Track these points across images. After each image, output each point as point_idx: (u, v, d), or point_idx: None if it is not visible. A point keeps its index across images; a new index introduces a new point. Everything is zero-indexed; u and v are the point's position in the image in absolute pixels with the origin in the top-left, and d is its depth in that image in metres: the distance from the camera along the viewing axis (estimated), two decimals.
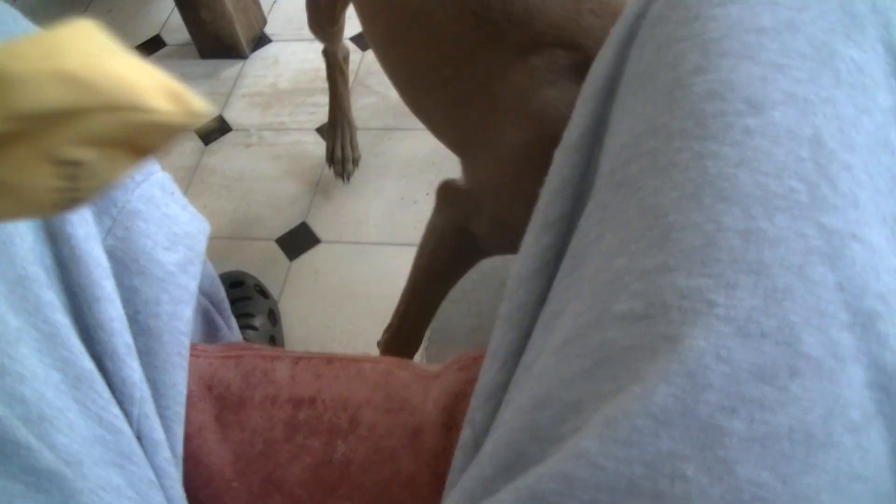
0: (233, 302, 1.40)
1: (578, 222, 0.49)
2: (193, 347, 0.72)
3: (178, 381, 0.66)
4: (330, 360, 0.71)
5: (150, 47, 1.94)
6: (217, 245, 1.53)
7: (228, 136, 1.72)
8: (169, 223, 0.69)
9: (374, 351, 1.35)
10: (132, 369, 0.61)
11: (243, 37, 1.83)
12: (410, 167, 1.57)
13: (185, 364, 0.67)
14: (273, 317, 1.38)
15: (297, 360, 0.71)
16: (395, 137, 1.60)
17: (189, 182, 1.64)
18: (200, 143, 1.71)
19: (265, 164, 1.64)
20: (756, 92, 0.42)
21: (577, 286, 0.45)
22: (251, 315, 1.36)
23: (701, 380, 0.36)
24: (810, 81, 0.42)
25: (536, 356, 0.46)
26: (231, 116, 1.75)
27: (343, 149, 1.54)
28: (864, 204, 0.40)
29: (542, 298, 0.50)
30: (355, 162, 1.56)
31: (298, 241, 1.52)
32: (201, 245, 0.72)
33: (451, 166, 1.55)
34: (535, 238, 0.51)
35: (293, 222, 1.54)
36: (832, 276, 0.38)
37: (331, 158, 1.55)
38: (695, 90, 0.43)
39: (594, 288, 0.43)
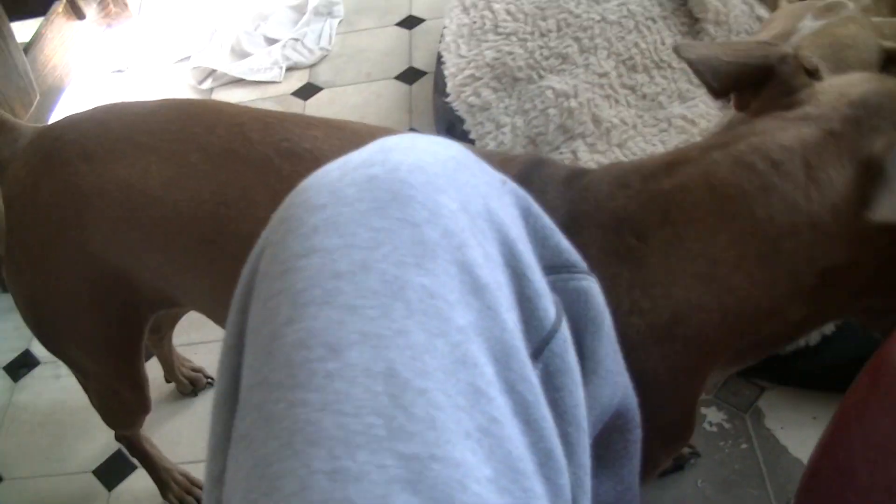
0: None
1: None
2: None
3: None
4: None
5: None
6: (33, 486, 1.53)
7: (37, 369, 1.73)
8: None
9: None
10: None
11: None
12: None
13: None
14: None
15: None
16: (201, 351, 1.65)
17: (0, 423, 1.64)
18: (10, 381, 1.71)
19: (77, 393, 1.63)
20: (334, 336, 0.44)
21: None
22: None
23: None
24: (383, 317, 0.45)
25: None
26: (38, 350, 1.76)
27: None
28: (443, 423, 0.43)
29: None
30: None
31: (116, 468, 1.53)
32: None
33: None
34: (208, 493, 0.54)
35: (109, 450, 1.56)
36: (415, 500, 0.41)
37: None
38: (286, 341, 0.46)
39: None
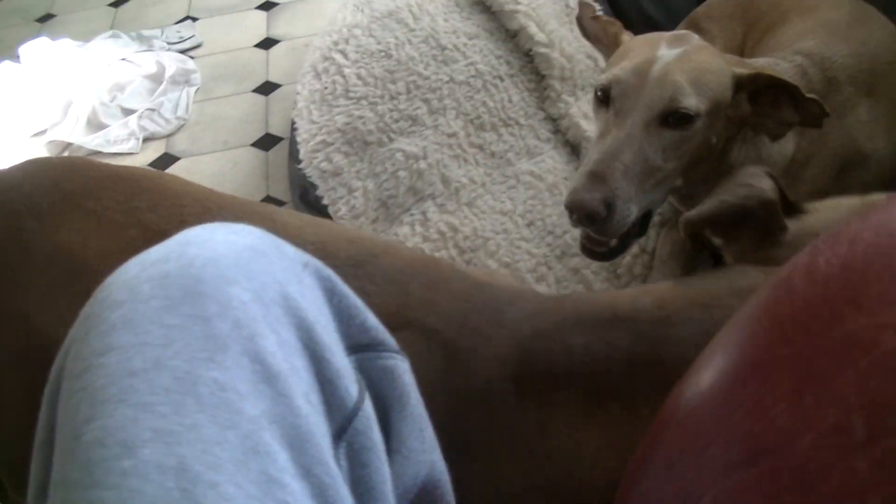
0: None
1: None
2: None
3: None
4: None
5: None
6: None
7: None
8: None
9: None
10: None
11: None
12: None
13: None
14: None
15: None
16: None
17: None
18: None
19: None
20: (129, 434, 0.45)
21: None
22: None
23: None
24: (175, 413, 0.46)
25: None
26: None
27: None
28: None
29: None
30: None
31: None
32: None
33: None
34: None
35: None
36: None
37: None
38: (85, 440, 0.46)
39: None
